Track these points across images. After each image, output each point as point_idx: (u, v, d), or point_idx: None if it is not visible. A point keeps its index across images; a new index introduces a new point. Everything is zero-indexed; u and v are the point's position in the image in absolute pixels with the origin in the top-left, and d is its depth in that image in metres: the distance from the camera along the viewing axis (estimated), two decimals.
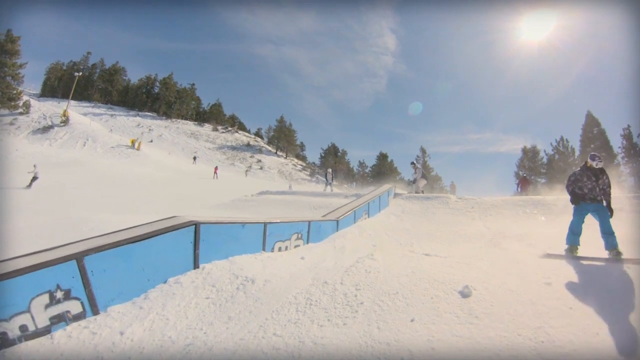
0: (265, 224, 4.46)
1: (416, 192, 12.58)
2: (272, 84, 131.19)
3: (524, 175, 19.14)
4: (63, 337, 2.62)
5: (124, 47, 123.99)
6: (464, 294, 2.80)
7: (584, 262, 3.97)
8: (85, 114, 54.62)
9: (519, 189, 17.90)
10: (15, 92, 42.54)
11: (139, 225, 3.43)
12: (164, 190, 20.53)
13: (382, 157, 58.53)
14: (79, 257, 2.85)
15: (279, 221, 4.82)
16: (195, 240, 3.45)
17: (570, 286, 3.06)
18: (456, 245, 5.89)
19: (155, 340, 2.45)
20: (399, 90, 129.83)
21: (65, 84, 66.83)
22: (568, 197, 4.80)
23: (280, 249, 4.68)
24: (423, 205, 9.62)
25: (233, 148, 60.89)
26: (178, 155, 49.45)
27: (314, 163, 66.88)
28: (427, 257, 4.47)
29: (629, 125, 38.69)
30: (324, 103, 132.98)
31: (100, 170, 26.86)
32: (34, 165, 19.24)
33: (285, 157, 63.88)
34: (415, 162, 13.78)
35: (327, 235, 6.25)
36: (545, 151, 44.92)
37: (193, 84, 73.15)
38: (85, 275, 2.89)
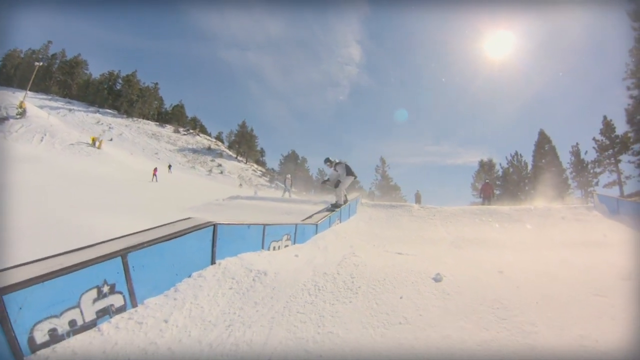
0: (264, 225, 5.10)
1: (338, 202, 9.70)
2: (235, 88, 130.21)
3: (487, 180, 19.50)
4: (111, 329, 2.89)
5: (87, 39, 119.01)
6: (437, 279, 3.60)
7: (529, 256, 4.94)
8: (41, 107, 52.24)
9: (482, 195, 17.83)
10: None
11: (163, 225, 3.94)
12: (133, 192, 20.46)
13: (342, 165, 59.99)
14: (123, 254, 3.16)
15: (274, 223, 5.52)
16: (213, 239, 3.98)
17: (517, 274, 3.99)
18: (422, 247, 6.78)
19: (198, 324, 2.91)
20: (361, 101, 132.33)
21: (22, 73, 63.06)
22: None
23: (274, 248, 5.31)
24: (388, 212, 10.58)
25: (194, 151, 60.76)
26: (139, 156, 48.49)
27: (273, 169, 67.70)
28: (400, 255, 5.33)
29: (577, 143, 43.44)
30: (286, 110, 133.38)
31: (60, 168, 26.10)
32: None
33: (246, 162, 64.39)
34: (330, 158, 10.33)
35: (309, 237, 6.96)
36: (500, 164, 48.64)
37: (156, 83, 72.00)
38: (128, 270, 3.19)
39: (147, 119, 68.30)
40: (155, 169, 31.99)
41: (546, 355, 2.37)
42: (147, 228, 3.89)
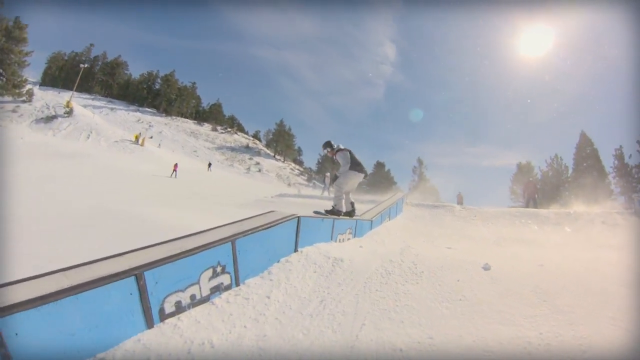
0: (333, 219, 5.94)
1: (336, 207, 6.80)
2: (271, 87, 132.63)
3: (531, 179, 18.01)
4: (223, 303, 3.45)
5: (126, 42, 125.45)
6: (486, 268, 4.30)
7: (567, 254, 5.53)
8: (85, 106, 55.07)
9: (524, 194, 16.59)
10: (20, 79, 43.40)
11: (257, 216, 4.72)
12: (180, 188, 21.68)
13: (379, 166, 59.92)
14: (232, 240, 3.78)
15: (343, 218, 6.53)
16: (297, 230, 4.70)
17: (556, 267, 4.63)
18: (467, 244, 7.47)
19: (295, 300, 3.57)
20: (396, 100, 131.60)
21: (67, 74, 67.39)
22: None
23: (340, 240, 6.12)
24: (432, 212, 11.25)
25: (232, 149, 61.94)
26: (178, 153, 50.23)
27: (310, 168, 68.47)
28: (450, 250, 6.04)
29: (621, 146, 40.42)
30: (322, 109, 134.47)
31: (106, 164, 27.71)
32: None
33: (283, 161, 65.00)
34: (332, 142, 7.06)
35: (366, 232, 7.77)
36: (539, 168, 46.13)
37: (194, 83, 74.60)
38: (235, 254, 3.80)
39: (186, 117, 70.60)
40: (176, 165, 31.31)
41: (581, 331, 2.93)
42: (246, 217, 4.70)
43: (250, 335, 2.91)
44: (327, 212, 6.71)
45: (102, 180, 20.46)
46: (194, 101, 73.81)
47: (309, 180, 59.88)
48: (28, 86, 46.28)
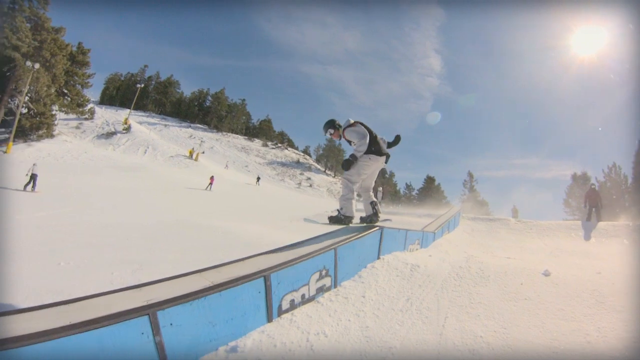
0: (406, 231, 6.65)
1: (343, 211, 5.55)
2: (319, 103, 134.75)
3: (593, 185, 16.44)
4: (327, 301, 4.01)
5: (178, 62, 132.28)
6: (546, 274, 4.90)
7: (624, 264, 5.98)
8: (140, 123, 58.79)
9: (586, 203, 14.89)
10: (83, 99, 47.15)
11: (338, 229, 5.58)
12: (237, 202, 22.94)
13: (429, 180, 59.72)
14: (335, 247, 4.41)
15: (412, 229, 7.15)
16: (380, 239, 5.38)
17: (613, 275, 5.15)
18: (524, 255, 7.95)
19: (386, 299, 4.22)
20: (445, 112, 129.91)
21: (123, 93, 72.81)
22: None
23: (411, 250, 6.81)
24: (487, 225, 11.72)
25: (283, 164, 63.63)
26: (230, 168, 52.11)
27: None
28: (509, 259, 6.59)
29: None
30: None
31: (164, 178, 29.54)
32: (34, 164, 18.47)
33: (334, 176, 65.83)
34: (336, 121, 5.71)
35: (430, 243, 8.39)
36: (596, 178, 43.32)
37: (244, 100, 77.93)
38: (336, 260, 4.40)
39: (236, 133, 73.63)
40: (212, 178, 31.23)
41: (633, 328, 3.41)
42: (339, 228, 5.55)
43: (355, 327, 3.58)
44: (331, 220, 5.48)
45: (166, 193, 21.97)
46: (244, 117, 76.74)
47: (359, 195, 58.96)
48: (90, 105, 50.25)
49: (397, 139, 5.78)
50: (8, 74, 36.09)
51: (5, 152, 31.84)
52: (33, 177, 17.38)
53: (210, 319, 3.09)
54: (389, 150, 5.63)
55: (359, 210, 5.77)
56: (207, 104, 76.55)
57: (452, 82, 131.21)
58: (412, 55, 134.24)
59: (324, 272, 4.29)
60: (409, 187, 64.11)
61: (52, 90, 39.33)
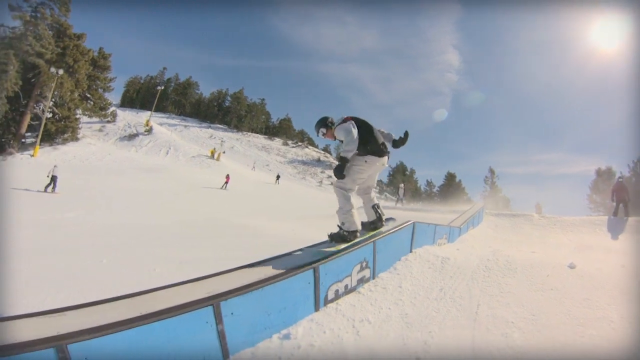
0: (435, 225, 6.95)
1: (345, 226, 4.66)
2: (338, 101, 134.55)
3: (620, 179, 15.61)
4: (367, 291, 4.29)
5: (196, 63, 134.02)
6: (571, 267, 5.16)
7: None
8: (161, 124, 59.81)
9: (614, 197, 14.00)
10: (105, 102, 48.55)
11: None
12: (262, 200, 23.41)
13: (450, 176, 59.32)
14: (374, 241, 4.69)
15: (440, 224, 7.46)
16: (413, 233, 5.69)
17: (638, 269, 5.38)
18: (548, 250, 8.14)
19: (421, 289, 4.53)
20: (464, 108, 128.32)
21: (143, 96, 74.38)
22: None
23: (439, 244, 7.10)
24: (511, 221, 11.90)
25: (304, 163, 63.82)
26: (256, 169, 52.47)
27: (381, 181, 67.64)
28: (534, 254, 6.84)
29: None
30: (389, 121, 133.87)
31: (187, 178, 30.16)
32: (54, 166, 18.92)
33: None
34: (329, 118, 4.89)
35: (456, 237, 8.68)
36: (621, 173, 42.17)
37: (263, 99, 78.55)
38: (375, 252, 4.70)
39: (256, 132, 74.17)
40: (228, 177, 31.20)
41: None
42: None
43: (395, 314, 3.88)
44: (332, 237, 4.67)
45: (189, 192, 22.54)
46: (263, 117, 77.39)
47: (380, 192, 58.96)
48: (112, 108, 51.63)
49: (406, 136, 4.95)
50: (33, 80, 37.49)
51: (32, 156, 33.49)
52: (53, 179, 17.96)
53: (265, 308, 3.35)
54: (396, 149, 5.03)
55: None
56: (227, 104, 77.39)
57: (471, 77, 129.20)
58: (429, 52, 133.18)
59: (364, 264, 4.57)
60: (429, 184, 63.83)
61: (76, 94, 40.99)
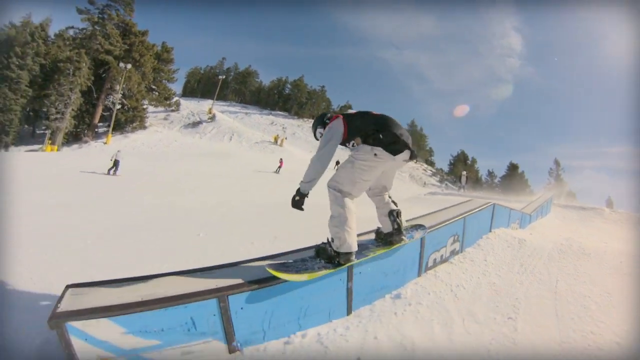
0: (510, 209, 7.41)
1: (336, 247, 3.19)
2: (397, 88, 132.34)
3: None
4: (457, 262, 4.89)
5: (255, 53, 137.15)
6: None
7: None
8: (222, 112, 61.35)
9: None
10: (169, 93, 51.76)
11: (460, 203, 6.65)
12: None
13: (513, 167, 56.93)
14: (465, 217, 5.27)
15: (514, 209, 7.88)
16: (492, 215, 6.18)
17: None
18: (620, 245, 8.37)
19: (503, 263, 5.05)
20: (527, 96, 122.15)
21: (204, 85, 77.23)
22: None
23: (513, 228, 7.58)
24: (579, 214, 12.02)
25: None
26: (313, 153, 53.02)
27: (442, 169, 66.10)
28: (605, 243, 7.22)
29: None
30: (450, 109, 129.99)
31: (254, 162, 31.24)
32: (118, 151, 19.98)
33: (416, 162, 64.16)
34: (328, 115, 3.73)
35: (526, 224, 9.09)
36: None
37: (323, 86, 78.44)
38: (465, 228, 5.23)
39: None
40: (281, 161, 30.32)
41: None
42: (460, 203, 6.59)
43: (484, 282, 4.47)
44: (319, 253, 3.38)
45: (258, 176, 23.56)
46: (324, 104, 77.50)
47: (441, 181, 56.52)
48: (175, 98, 54.50)
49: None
50: (103, 75, 42.01)
51: (105, 143, 37.03)
52: (116, 163, 18.93)
53: (384, 269, 3.78)
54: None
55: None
56: (287, 92, 78.43)
57: (535, 61, 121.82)
58: (490, 36, 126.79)
59: (456, 237, 5.08)
60: (491, 174, 61.71)
61: (142, 86, 44.54)
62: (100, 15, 42.20)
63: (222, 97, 75.28)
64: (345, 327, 3.19)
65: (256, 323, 2.86)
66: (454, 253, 5.10)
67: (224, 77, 71.06)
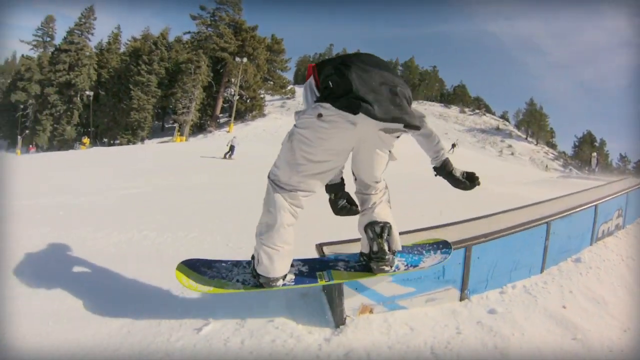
0: None
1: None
2: (512, 64, 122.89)
3: None
4: (623, 236, 4.84)
5: (362, 37, 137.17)
6: None
7: None
8: None
9: None
10: (284, 81, 55.68)
11: (606, 184, 6.92)
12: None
13: None
14: (627, 193, 5.22)
15: None
16: (626, 202, 5.53)
17: None
18: None
19: None
20: None
21: None
22: None
23: None
24: None
25: (482, 131, 60.90)
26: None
27: (565, 152, 61.54)
28: None
29: None
30: (571, 83, 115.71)
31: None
32: (233, 137, 21.92)
33: (536, 144, 60.20)
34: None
35: None
36: None
37: (435, 67, 76.47)
38: (627, 203, 5.22)
39: (431, 100, 72.70)
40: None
41: None
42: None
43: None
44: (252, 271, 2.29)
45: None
46: (437, 84, 75.75)
47: (564, 166, 52.88)
48: (290, 86, 57.98)
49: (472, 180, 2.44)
50: (221, 70, 47.68)
51: (228, 132, 41.13)
52: (232, 148, 20.49)
53: (570, 232, 3.87)
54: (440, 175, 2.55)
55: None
56: (399, 74, 77.16)
57: None
58: None
59: (620, 212, 5.02)
60: (623, 158, 55.89)
61: (258, 77, 48.99)
62: (212, 18, 48.14)
63: None
64: (544, 282, 3.42)
65: (483, 273, 3.06)
66: (617, 228, 5.12)
67: None
